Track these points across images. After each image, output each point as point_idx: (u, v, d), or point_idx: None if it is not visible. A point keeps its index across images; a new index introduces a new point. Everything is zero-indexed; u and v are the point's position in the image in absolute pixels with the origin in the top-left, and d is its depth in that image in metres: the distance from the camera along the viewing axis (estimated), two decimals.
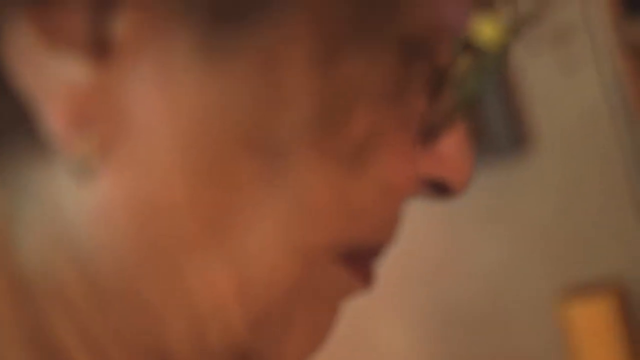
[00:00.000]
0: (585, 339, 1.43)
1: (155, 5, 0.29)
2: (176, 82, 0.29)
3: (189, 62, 0.29)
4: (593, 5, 1.22)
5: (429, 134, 0.35)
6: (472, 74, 0.35)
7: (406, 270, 1.64)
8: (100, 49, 0.29)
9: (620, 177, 1.48)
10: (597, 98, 1.44)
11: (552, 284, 1.56)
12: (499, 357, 1.59)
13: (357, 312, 1.65)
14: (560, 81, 1.44)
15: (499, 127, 1.50)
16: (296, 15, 0.30)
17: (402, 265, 1.65)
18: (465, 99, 0.35)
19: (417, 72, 0.33)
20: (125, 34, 0.29)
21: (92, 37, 0.29)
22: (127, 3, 0.29)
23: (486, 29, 0.33)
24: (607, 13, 1.16)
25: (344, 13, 0.30)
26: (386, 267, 1.66)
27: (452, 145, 0.36)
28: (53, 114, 0.29)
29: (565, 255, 1.54)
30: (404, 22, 0.31)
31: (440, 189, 0.37)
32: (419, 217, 1.59)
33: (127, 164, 0.30)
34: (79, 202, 0.30)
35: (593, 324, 1.43)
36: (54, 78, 0.29)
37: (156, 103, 0.29)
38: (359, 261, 0.35)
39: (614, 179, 1.49)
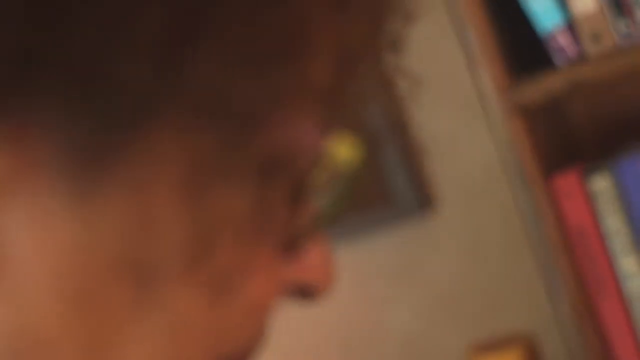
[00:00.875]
0: None
1: (22, 150, 0.30)
2: (47, 222, 0.30)
3: (58, 203, 0.30)
4: (482, 74, 1.27)
5: (291, 245, 0.37)
6: (328, 192, 0.37)
7: (318, 338, 1.64)
8: None
9: (520, 235, 1.52)
10: (492, 159, 1.49)
11: (463, 342, 1.58)
12: None
13: None
14: (460, 140, 1.49)
15: (402, 189, 1.53)
16: (163, 152, 0.31)
17: (313, 334, 1.64)
18: (324, 214, 0.37)
19: (276, 189, 0.35)
20: None
21: None
22: None
23: (341, 149, 0.35)
24: (495, 80, 1.22)
25: (208, 146, 0.32)
26: (297, 336, 1.66)
27: (316, 252, 0.38)
28: None
29: (474, 313, 1.56)
30: (262, 146, 0.33)
31: (304, 292, 0.39)
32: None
33: (2, 300, 0.31)
34: None
35: None
36: None
37: (28, 242, 0.30)
38: None
39: (515, 237, 1.53)
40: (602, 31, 1.19)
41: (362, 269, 1.58)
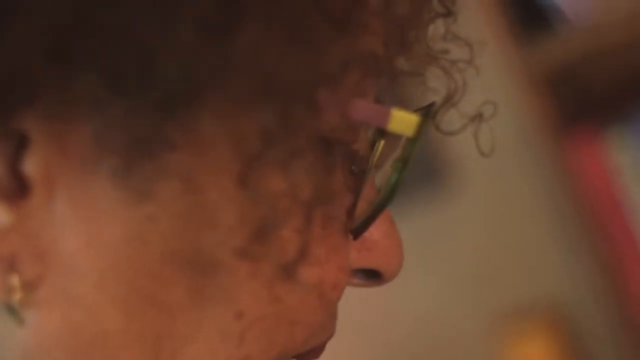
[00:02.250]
0: None
1: (65, 144, 0.29)
2: (94, 215, 0.29)
3: (106, 195, 0.29)
4: (488, 40, 1.27)
5: (357, 226, 0.35)
6: (391, 163, 0.35)
7: (340, 328, 1.64)
8: (15, 191, 0.29)
9: (541, 201, 1.53)
10: (508, 127, 1.49)
11: (488, 312, 1.59)
12: None
13: None
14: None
15: (419, 169, 1.53)
16: (212, 139, 0.30)
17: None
18: (388, 188, 0.35)
19: (338, 167, 0.33)
20: (38, 174, 0.29)
21: (6, 181, 0.29)
22: (37, 145, 0.29)
23: (402, 118, 0.33)
24: (504, 47, 1.22)
25: (256, 130, 0.30)
26: None
27: (381, 233, 0.36)
28: None
29: (497, 282, 1.57)
30: (320, 126, 0.31)
31: (372, 277, 0.37)
32: None
33: (54, 299, 0.30)
34: (12, 342, 0.30)
35: (532, 348, 1.47)
36: None
37: (76, 237, 0.29)
38: None
39: (535, 204, 1.54)
40: None
41: None
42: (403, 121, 0.33)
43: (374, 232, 0.36)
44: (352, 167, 0.34)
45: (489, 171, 1.53)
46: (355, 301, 1.60)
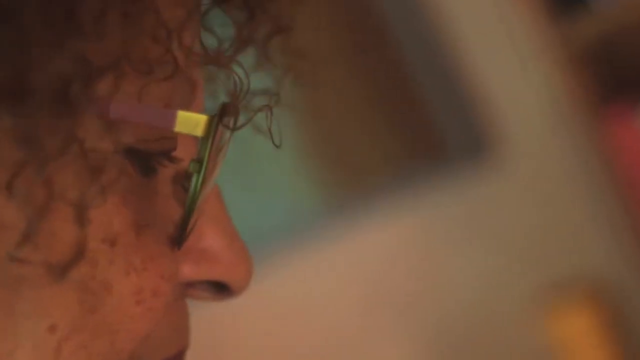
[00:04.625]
0: (571, 340, 1.46)
1: None
2: None
3: None
4: (525, 14, 1.27)
5: (175, 236, 0.35)
6: (189, 165, 0.34)
7: (387, 304, 1.64)
8: None
9: (581, 175, 1.53)
10: (543, 108, 1.49)
11: (530, 290, 1.58)
12: None
13: (346, 340, 1.66)
14: (513, 86, 1.49)
15: (460, 139, 1.54)
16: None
17: (382, 299, 1.65)
18: (191, 192, 0.34)
19: (156, 179, 0.33)
20: None
21: None
22: None
23: (189, 119, 0.33)
24: (539, 20, 1.22)
25: (16, 136, 0.29)
26: (369, 301, 1.67)
27: (221, 244, 0.36)
28: None
29: (537, 260, 1.57)
30: (79, 130, 0.30)
31: (221, 290, 0.37)
32: (393, 250, 1.59)
33: None
34: None
35: (574, 321, 1.47)
36: None
37: None
38: None
39: (575, 178, 1.54)
40: None
41: (425, 231, 1.59)
42: (190, 122, 0.33)
43: (214, 243, 0.36)
44: (181, 182, 0.35)
45: (530, 148, 1.53)
46: (401, 274, 1.62)
